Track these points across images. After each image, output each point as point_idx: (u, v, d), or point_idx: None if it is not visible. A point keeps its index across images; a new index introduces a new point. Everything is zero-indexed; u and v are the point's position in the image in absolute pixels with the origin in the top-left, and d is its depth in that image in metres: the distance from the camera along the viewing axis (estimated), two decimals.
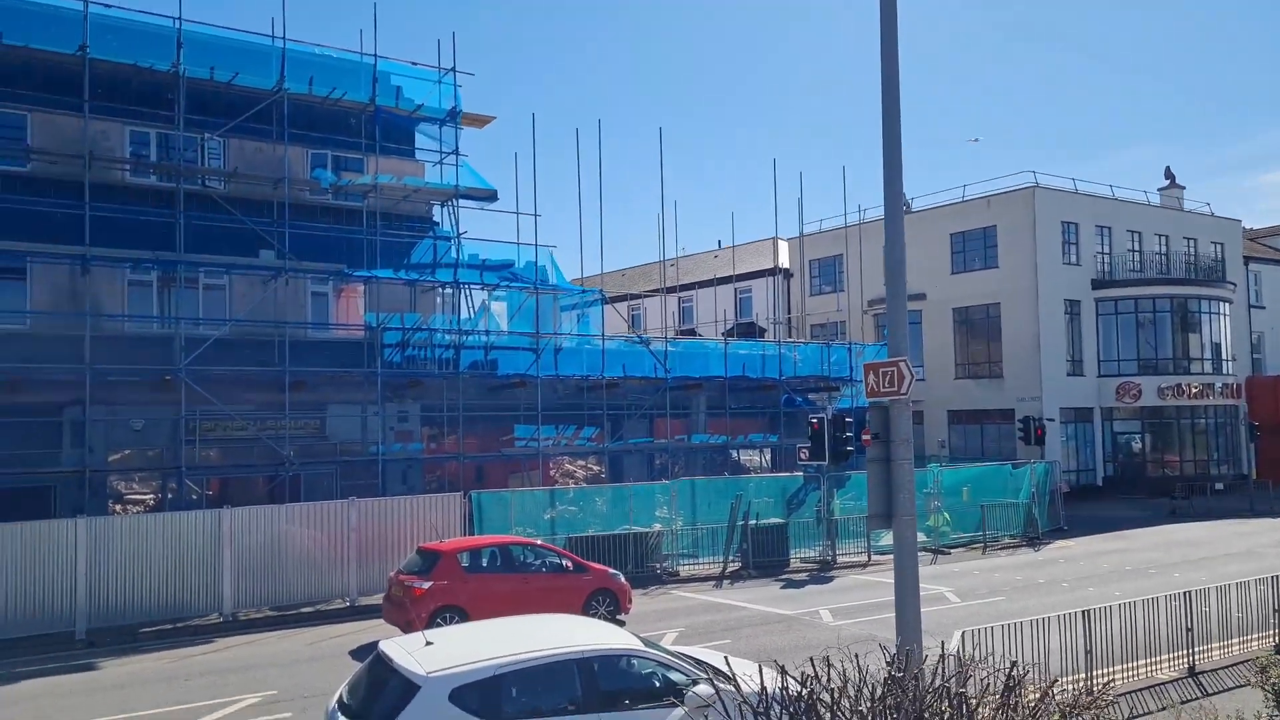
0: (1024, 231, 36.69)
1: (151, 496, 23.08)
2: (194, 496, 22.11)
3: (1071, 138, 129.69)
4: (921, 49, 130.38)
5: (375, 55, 24.15)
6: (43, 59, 20.76)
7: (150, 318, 22.31)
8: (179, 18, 21.50)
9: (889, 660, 5.04)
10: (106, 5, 21.29)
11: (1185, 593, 12.40)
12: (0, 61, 20.30)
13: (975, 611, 16.60)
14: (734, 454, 31.75)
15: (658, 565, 21.60)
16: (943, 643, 5.90)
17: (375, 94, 24.25)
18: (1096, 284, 37.98)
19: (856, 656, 5.01)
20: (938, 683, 4.81)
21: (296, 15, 77.44)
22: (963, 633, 10.05)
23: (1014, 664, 5.03)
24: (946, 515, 25.79)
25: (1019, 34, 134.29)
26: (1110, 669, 11.33)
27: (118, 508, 22.17)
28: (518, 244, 26.00)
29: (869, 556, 23.44)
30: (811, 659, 4.99)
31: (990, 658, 5.97)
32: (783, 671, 5.21)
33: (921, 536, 23.88)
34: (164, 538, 17.00)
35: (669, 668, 8.36)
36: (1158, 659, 12.02)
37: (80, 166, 20.48)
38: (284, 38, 22.71)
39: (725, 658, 7.18)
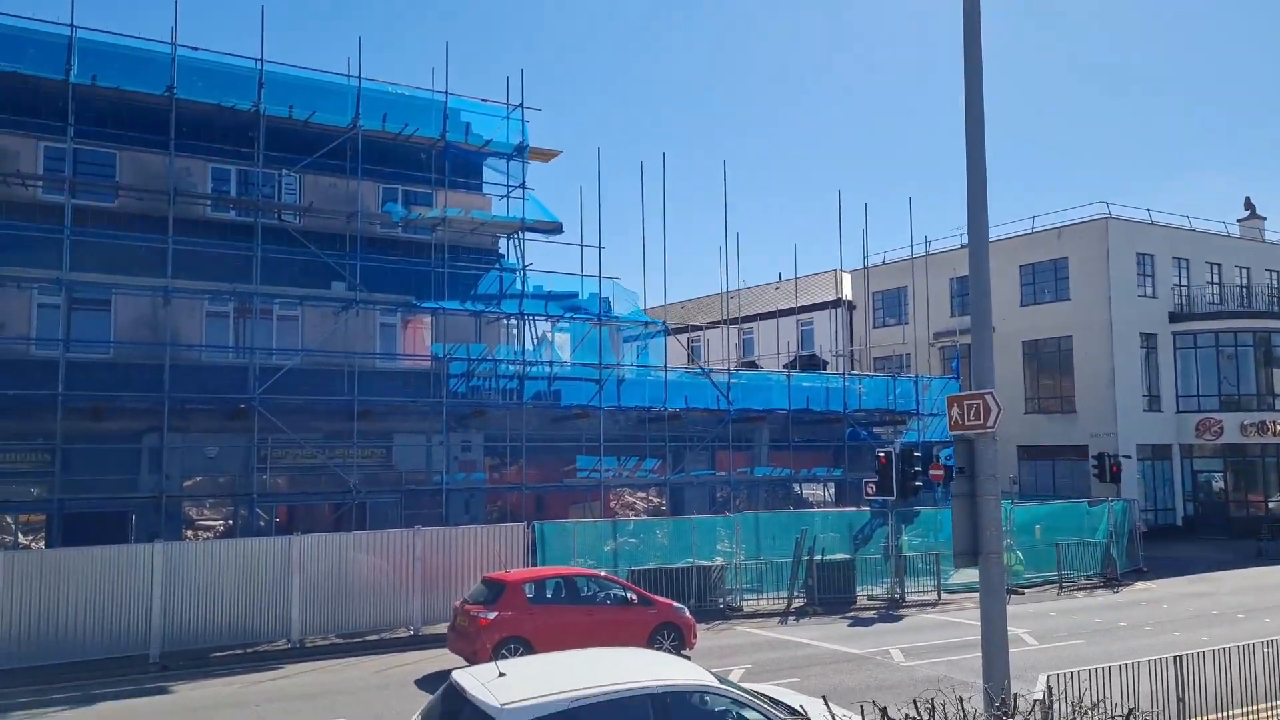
0: (1097, 263, 35.78)
1: (222, 523, 23.56)
2: (263, 523, 22.49)
3: (1144, 166, 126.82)
4: (988, 76, 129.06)
5: (446, 92, 24.71)
6: (132, 99, 21.65)
7: (226, 348, 22.91)
8: (261, 59, 22.28)
9: (995, 703, 4.80)
10: (194, 49, 22.19)
11: (1275, 640, 11.76)
12: (93, 102, 21.20)
13: (1054, 655, 15.96)
14: (797, 488, 31.29)
15: (720, 600, 21.29)
16: (1049, 686, 5.60)
17: (445, 130, 24.76)
18: (1174, 317, 36.79)
19: (961, 700, 4.79)
20: None
21: (371, 55, 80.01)
22: (1048, 676, 9.63)
23: (1131, 711, 4.75)
24: (1020, 554, 24.98)
25: (1088, 60, 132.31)
26: (1205, 718, 10.77)
27: (190, 533, 22.67)
28: (581, 275, 26.19)
29: (939, 595, 22.79)
30: (914, 701, 4.78)
31: (1103, 703, 5.65)
32: (883, 713, 5.00)
33: None
34: (236, 564, 17.29)
35: (744, 705, 8.16)
36: (1255, 708, 11.39)
37: (164, 202, 21.23)
38: (359, 76, 23.38)
39: (824, 699, 6.89)
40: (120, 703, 13.78)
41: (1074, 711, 4.93)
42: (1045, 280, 37.49)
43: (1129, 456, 33.67)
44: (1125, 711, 4.89)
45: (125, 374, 20.95)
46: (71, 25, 20.72)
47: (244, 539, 18.83)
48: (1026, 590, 24.16)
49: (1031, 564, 25.17)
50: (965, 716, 4.54)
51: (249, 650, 17.01)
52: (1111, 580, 25.13)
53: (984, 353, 8.72)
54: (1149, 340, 36.32)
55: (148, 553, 16.70)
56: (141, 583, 16.44)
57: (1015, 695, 5.65)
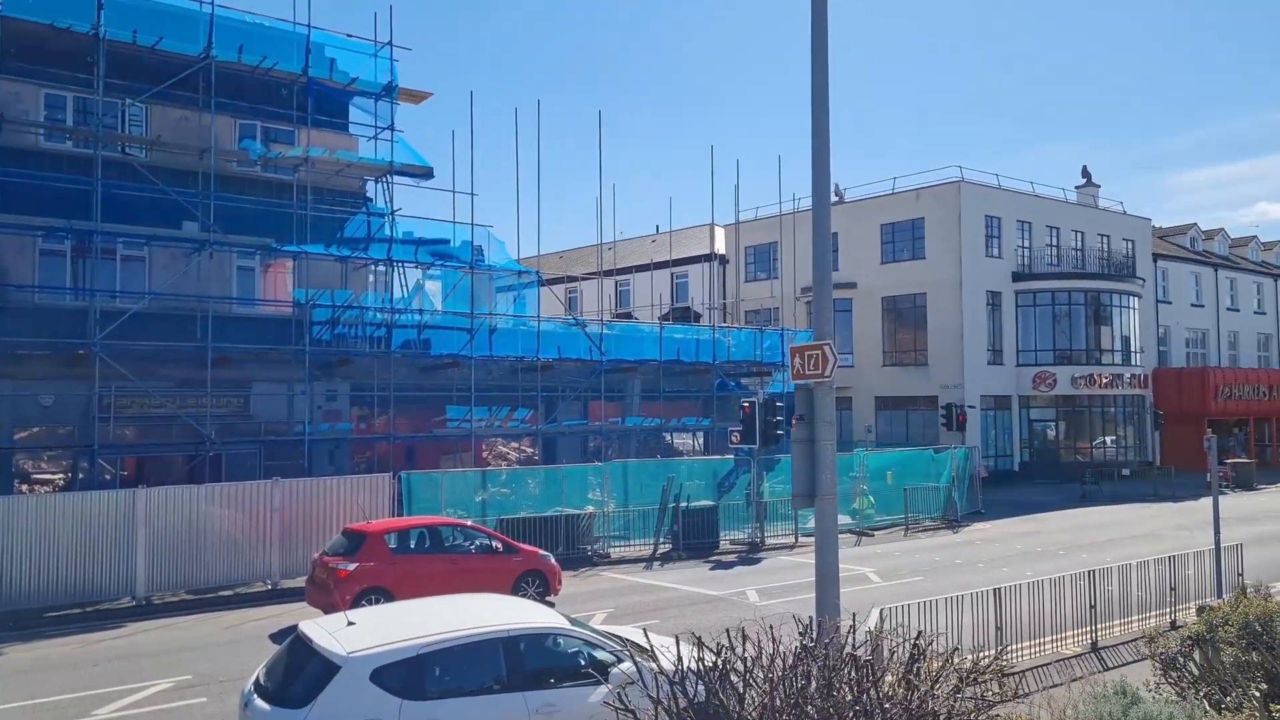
0: (950, 224, 37.64)
1: (61, 476, 22.24)
2: (108, 477, 21.37)
3: (996, 133, 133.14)
4: (854, 39, 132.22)
5: (309, 25, 23.51)
6: None
7: (63, 289, 21.45)
8: None
9: (800, 631, 5.17)
10: None
11: (1090, 572, 12.98)
12: None
13: (896, 591, 17.04)
14: (667, 437, 31.95)
15: (589, 547, 21.67)
16: (854, 615, 6.06)
17: (308, 65, 23.61)
18: (1017, 276, 39.21)
19: (771, 629, 5.13)
20: (848, 653, 4.96)
21: None
22: (880, 610, 10.33)
23: (920, 634, 5.21)
24: (871, 499, 26.40)
25: (947, 28, 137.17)
26: (1020, 645, 11.81)
27: (24, 488, 21.31)
28: (454, 223, 25.68)
29: (796, 538, 23.87)
30: (727, 631, 5.09)
31: (899, 630, 6.18)
32: (699, 644, 5.30)
33: (846, 519, 24.45)
34: (72, 518, 16.38)
35: (595, 646, 8.42)
36: (1063, 635, 12.55)
37: None
38: (212, 2, 21.96)
39: (644, 631, 7.27)
40: None
41: (872, 639, 5.36)
42: (904, 240, 39.23)
43: (974, 407, 35.94)
44: (915, 634, 5.36)
45: None
46: None
47: (82, 493, 17.82)
48: (876, 533, 25.58)
49: (882, 508, 26.64)
50: (774, 643, 4.86)
51: (88, 609, 16.25)
52: (952, 522, 26.93)
53: (824, 306, 9.13)
54: (994, 298, 38.63)
55: None
56: None
57: (835, 623, 6.07)
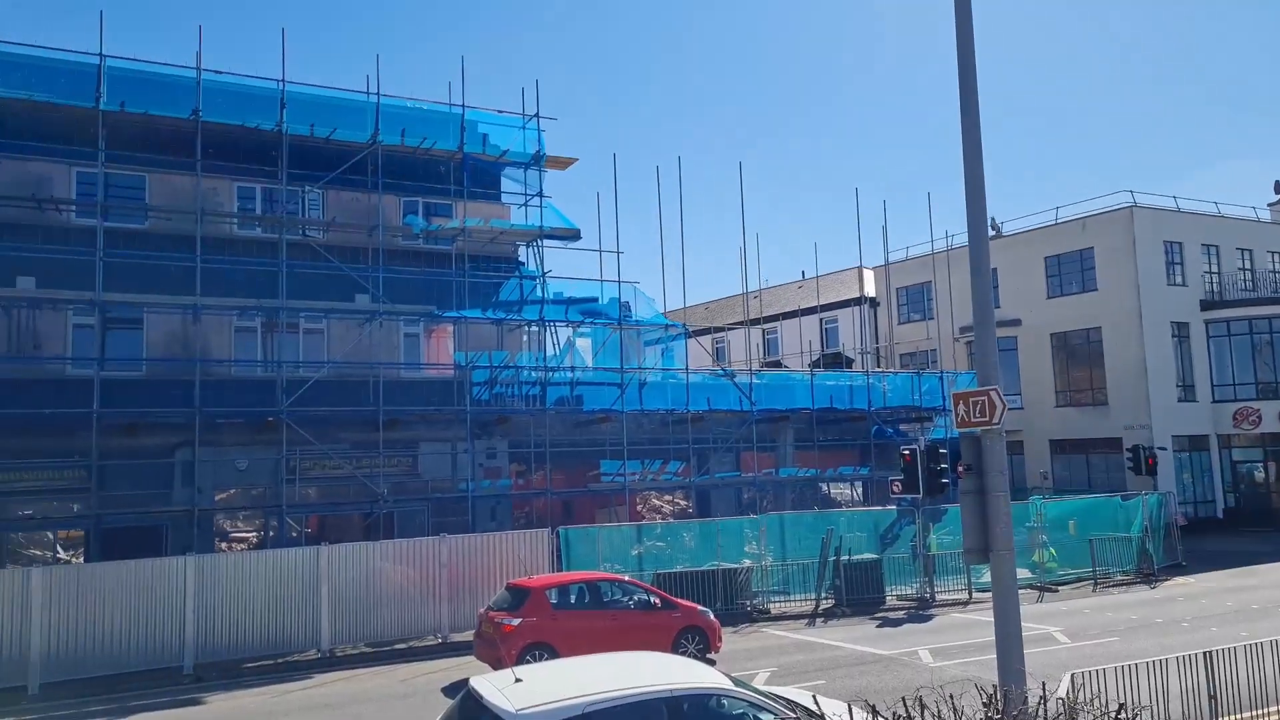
0: (1123, 253, 35.30)
1: (254, 534, 23.96)
2: (294, 534, 22.84)
3: (1166, 155, 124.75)
4: (1005, 70, 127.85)
5: (463, 105, 25.00)
6: (159, 123, 22.13)
7: (254, 362, 23.32)
8: (283, 79, 22.74)
9: (985, 701, 4.81)
10: (218, 72, 22.67)
11: None
12: (123, 127, 21.69)
13: (1086, 653, 15.77)
14: (823, 488, 31.16)
15: (747, 602, 21.27)
16: (1043, 683, 5.60)
17: (463, 142, 25.06)
18: (1206, 305, 36.18)
19: (951, 697, 4.81)
20: None
21: (390, 71, 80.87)
22: (1071, 675, 9.55)
23: (1121, 706, 4.74)
24: (1052, 551, 24.70)
25: (1104, 52, 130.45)
26: (1239, 716, 10.60)
27: (223, 545, 23.08)
28: (601, 280, 26.34)
29: (970, 594, 22.59)
30: (904, 699, 4.81)
31: (1097, 700, 5.62)
32: (873, 711, 5.04)
33: (1025, 573, 22.95)
34: (266, 575, 17.59)
35: (761, 709, 8.18)
36: None
37: (192, 222, 21.67)
38: (378, 93, 23.73)
39: (814, 696, 7.00)
40: (155, 714, 14.07)
41: (1067, 710, 4.91)
42: (1071, 271, 37.04)
43: (1164, 448, 33.16)
44: (1117, 707, 4.86)
45: (157, 390, 21.40)
46: (100, 55, 21.20)
47: (273, 550, 19.14)
48: (1060, 587, 23.86)
49: (1065, 560, 24.86)
50: (955, 712, 4.55)
51: (280, 661, 17.29)
52: (1148, 575, 24.76)
53: (987, 348, 8.69)
54: (1181, 329, 35.75)
55: (180, 566, 17.04)
56: (175, 595, 16.78)
57: (1023, 692, 5.63)
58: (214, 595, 17.08)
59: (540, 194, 26.27)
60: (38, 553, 25.78)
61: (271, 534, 22.62)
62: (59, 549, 26.42)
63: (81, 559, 21.10)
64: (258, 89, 23.09)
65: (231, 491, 23.29)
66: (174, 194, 22.53)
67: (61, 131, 21.50)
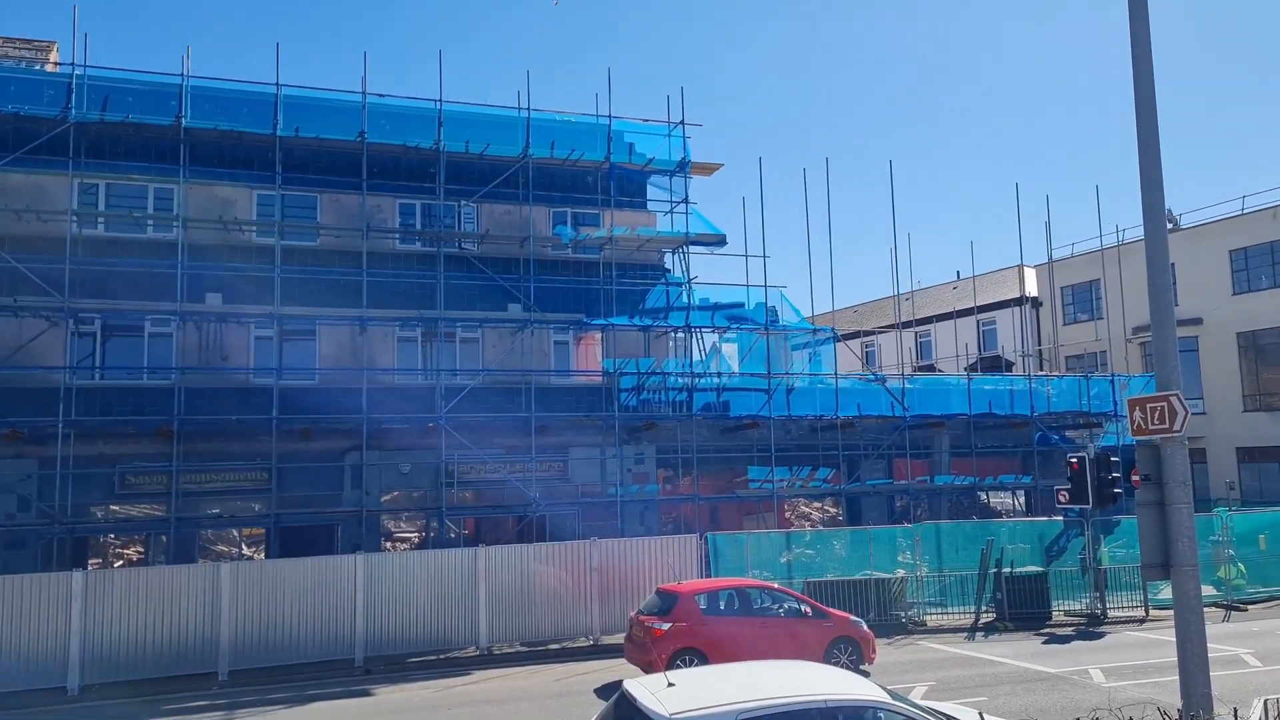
0: None
1: (416, 534, 25.20)
2: (452, 535, 23.85)
3: None
4: (1179, 48, 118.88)
5: (610, 116, 25.45)
6: (329, 146, 23.66)
7: (415, 370, 24.52)
8: (440, 100, 23.84)
9: None
10: (380, 95, 24.03)
11: None
12: (296, 151, 23.34)
13: None
14: (982, 496, 29.85)
15: (902, 614, 20.63)
16: (1234, 709, 5.15)
17: (610, 152, 25.52)
18: None
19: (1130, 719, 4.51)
20: None
21: (539, 86, 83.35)
22: (1264, 700, 8.75)
23: None
24: (1241, 566, 22.74)
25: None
26: None
27: (388, 545, 24.38)
28: (747, 286, 26.19)
29: (1146, 611, 21.12)
30: None
31: None
32: None
33: (1210, 590, 21.23)
34: (428, 574, 18.46)
35: None
36: None
37: (359, 238, 23.06)
38: (528, 108, 24.52)
39: (980, 714, 6.71)
40: (330, 703, 15.02)
41: None
42: (1261, 265, 34.02)
43: None
44: None
45: (329, 397, 22.83)
46: (277, 84, 22.88)
47: (434, 551, 20.04)
48: (1250, 606, 21.96)
49: (1256, 577, 22.84)
50: None
51: (442, 656, 18.08)
52: None
53: (1167, 351, 8.09)
54: None
55: (351, 563, 18.10)
56: (346, 592, 17.84)
57: (1211, 717, 5.21)
58: (381, 592, 18.04)
59: (686, 200, 26.42)
60: (224, 549, 28.09)
61: (432, 534, 23.73)
62: (243, 546, 28.67)
63: (263, 555, 22.76)
64: (416, 109, 24.30)
65: (395, 494, 24.56)
66: (342, 212, 24.01)
67: (244, 156, 23.29)
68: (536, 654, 18.46)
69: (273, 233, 22.65)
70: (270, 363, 22.50)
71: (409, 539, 25.58)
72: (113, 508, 23.14)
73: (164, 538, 21.82)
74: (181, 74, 22.23)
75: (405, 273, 24.03)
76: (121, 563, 26.60)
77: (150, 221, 22.55)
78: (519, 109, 24.64)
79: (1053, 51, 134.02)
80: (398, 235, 24.90)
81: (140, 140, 22.32)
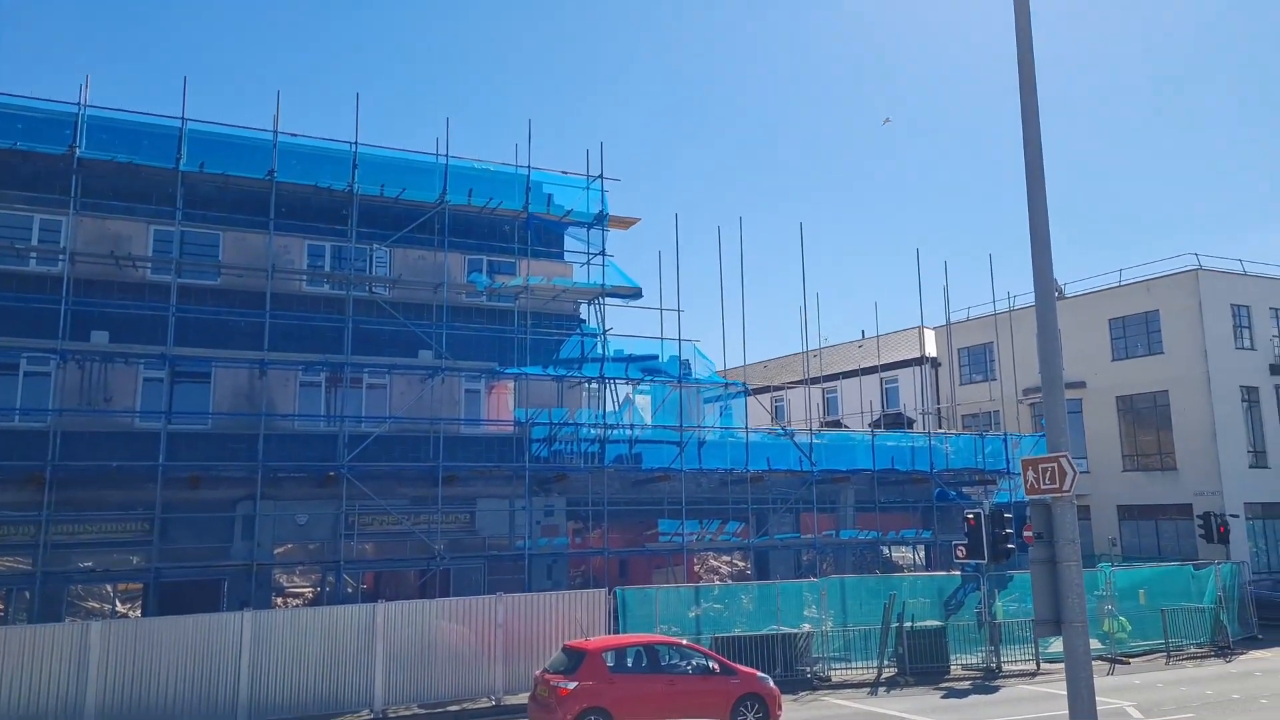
0: (1189, 316, 34.46)
1: (310, 589, 24.12)
2: (350, 590, 22.96)
3: (1227, 216, 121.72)
4: (1068, 132, 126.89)
5: (529, 166, 25.58)
6: (236, 184, 23.03)
7: (317, 416, 23.76)
8: (355, 142, 23.54)
9: None
10: (293, 135, 23.60)
11: None
12: (200, 187, 22.62)
13: None
14: (885, 551, 30.45)
15: (807, 669, 20.75)
16: None
17: (528, 202, 25.60)
18: (1276, 369, 35.03)
19: None
20: None
21: (459, 133, 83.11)
22: None
23: None
24: (1123, 620, 23.74)
25: (1163, 113, 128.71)
26: None
27: (279, 600, 23.25)
28: (661, 338, 26.39)
29: (1038, 664, 21.77)
30: None
31: None
32: None
33: (1095, 644, 22.04)
34: (321, 631, 17.59)
35: None
36: None
37: (264, 278, 22.37)
38: (447, 155, 24.43)
39: None
40: None
41: None
42: (1137, 334, 36.22)
43: (1236, 515, 31.88)
44: None
45: (222, 444, 21.90)
46: (183, 118, 22.23)
47: (328, 607, 19.20)
48: (1132, 659, 22.91)
49: (1137, 632, 23.88)
50: None
51: None
52: (1223, 649, 23.64)
53: (1057, 414, 8.49)
54: (1250, 394, 34.61)
55: (236, 621, 17.14)
56: (230, 652, 16.84)
57: None
58: (269, 652, 17.10)
59: (603, 253, 26.61)
60: (95, 605, 26.24)
61: (328, 589, 22.77)
62: (117, 602, 26.86)
63: (139, 613, 21.40)
64: (331, 150, 23.93)
65: (290, 546, 23.55)
66: (247, 251, 23.29)
67: (141, 190, 22.43)
68: (435, 716, 17.80)
69: (169, 270, 21.79)
70: (159, 406, 21.46)
71: (303, 594, 24.45)
72: None
73: (28, 593, 20.29)
74: (79, 103, 21.43)
75: (312, 315, 23.41)
76: None
77: (33, 254, 21.45)
78: (437, 155, 24.55)
79: (952, 123, 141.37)
80: (305, 277, 24.30)
81: (30, 170, 21.35)
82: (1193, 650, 23.61)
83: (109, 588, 23.25)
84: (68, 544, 20.55)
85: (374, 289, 24.37)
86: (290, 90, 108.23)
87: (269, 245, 22.60)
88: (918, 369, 43.47)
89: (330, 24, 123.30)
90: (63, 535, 20.26)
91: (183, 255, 22.25)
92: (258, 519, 21.36)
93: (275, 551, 22.74)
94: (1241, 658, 23.01)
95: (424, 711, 17.97)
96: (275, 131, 22.84)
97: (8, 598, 23.41)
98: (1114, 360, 36.70)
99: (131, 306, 21.70)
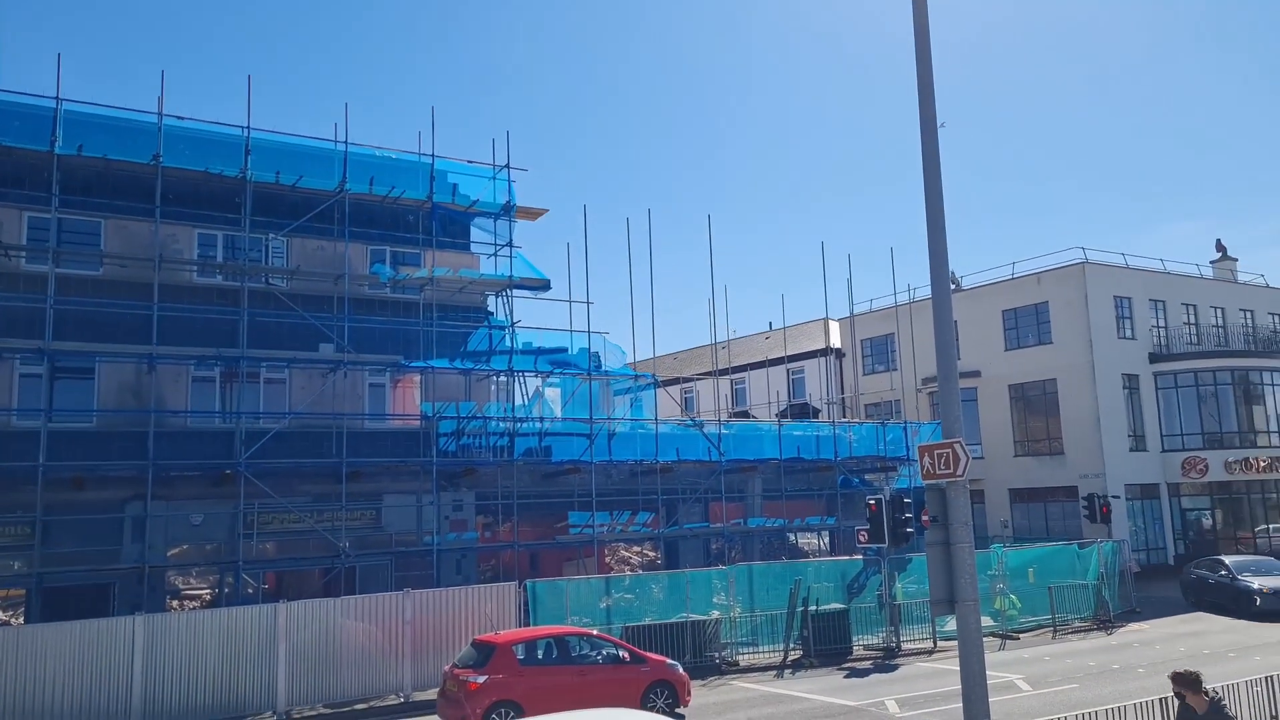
0: (1076, 307, 36.23)
1: (208, 591, 23.25)
2: (250, 591, 22.22)
3: (1118, 214, 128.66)
4: (966, 126, 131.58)
5: (433, 155, 25.09)
6: (118, 168, 21.92)
7: (212, 413, 22.87)
8: (248, 126, 22.62)
9: None
10: (180, 118, 22.54)
11: (1268, 678, 11.75)
12: (79, 172, 21.45)
13: (1050, 701, 15.83)
14: (791, 537, 31.12)
15: (716, 654, 21.05)
16: None
17: (433, 191, 25.12)
18: (1154, 357, 37.20)
19: None
20: None
21: (359, 119, 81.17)
22: None
23: None
24: (1014, 598, 24.85)
25: (1061, 112, 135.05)
26: None
27: (176, 604, 22.33)
28: (570, 331, 26.29)
29: (935, 643, 22.60)
30: None
31: None
32: None
33: (988, 621, 23.04)
34: (219, 634, 17.02)
35: None
36: None
37: (150, 269, 21.35)
38: (346, 141, 23.73)
39: None
40: None
41: None
42: (1028, 325, 37.92)
43: (1118, 497, 33.74)
44: None
45: (108, 443, 20.88)
46: (58, 98, 20.99)
47: (227, 608, 18.53)
48: (1022, 635, 24.00)
49: (1026, 608, 25.01)
50: None
51: None
52: (1105, 622, 24.99)
53: (951, 402, 8.83)
54: (1131, 381, 36.64)
55: (128, 626, 16.42)
56: (122, 657, 16.14)
57: None
58: (164, 657, 16.46)
59: (510, 244, 26.33)
60: None
61: (227, 591, 21.98)
62: None
63: (21, 620, 20.24)
64: (222, 135, 22.95)
65: (184, 547, 22.62)
66: (131, 240, 22.20)
67: (13, 175, 21.21)
68: (341, 716, 17.42)
69: (46, 259, 20.60)
70: (38, 403, 20.31)
71: (200, 596, 23.52)
72: None
73: None
74: None
75: (204, 308, 22.47)
76: None
77: None
78: (336, 142, 23.85)
79: (857, 117, 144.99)
80: (195, 268, 23.31)
81: None
82: (1077, 625, 24.87)
83: None
84: None
85: (270, 280, 23.56)
86: (178, 71, 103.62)
87: (155, 234, 21.59)
88: (823, 360, 44.55)
89: (225, 2, 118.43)
90: None
91: (60, 244, 21.08)
92: (149, 520, 20.44)
93: (169, 553, 21.81)
94: (1121, 630, 24.37)
95: (329, 711, 17.56)
96: (160, 113, 21.83)
97: None
98: (1007, 350, 38.32)
99: (5, 298, 20.47)
